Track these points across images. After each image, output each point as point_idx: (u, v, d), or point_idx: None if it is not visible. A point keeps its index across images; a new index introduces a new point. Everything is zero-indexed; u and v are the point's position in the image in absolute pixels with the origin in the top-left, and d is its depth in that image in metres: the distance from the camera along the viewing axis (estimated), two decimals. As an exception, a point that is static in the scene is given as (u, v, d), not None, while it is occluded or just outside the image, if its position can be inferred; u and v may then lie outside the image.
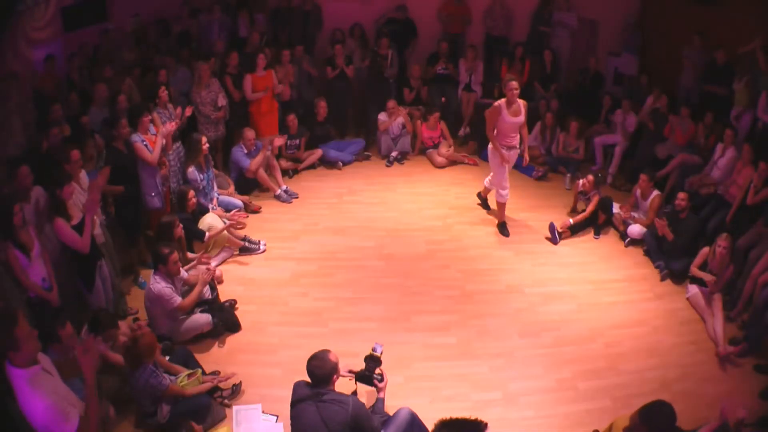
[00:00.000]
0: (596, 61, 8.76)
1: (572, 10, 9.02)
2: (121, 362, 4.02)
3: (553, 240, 6.42)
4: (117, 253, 5.34)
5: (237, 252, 6.04)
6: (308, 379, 3.62)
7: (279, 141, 7.32)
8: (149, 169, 5.60)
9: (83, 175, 4.89)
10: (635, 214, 6.49)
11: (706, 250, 5.48)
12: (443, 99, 8.78)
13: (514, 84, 6.05)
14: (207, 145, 6.22)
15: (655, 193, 6.38)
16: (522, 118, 6.15)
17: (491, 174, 6.56)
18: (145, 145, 5.52)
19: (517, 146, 6.31)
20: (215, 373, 4.39)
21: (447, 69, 8.78)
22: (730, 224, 5.86)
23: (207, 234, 5.63)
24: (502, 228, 6.57)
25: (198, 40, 8.40)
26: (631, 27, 9.11)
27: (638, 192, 6.50)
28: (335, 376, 3.53)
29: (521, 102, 6.15)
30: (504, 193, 6.40)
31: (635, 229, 6.39)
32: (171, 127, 5.78)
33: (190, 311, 4.79)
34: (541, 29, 9.16)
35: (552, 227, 6.47)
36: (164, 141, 5.68)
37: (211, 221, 5.84)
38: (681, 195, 5.99)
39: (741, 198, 5.87)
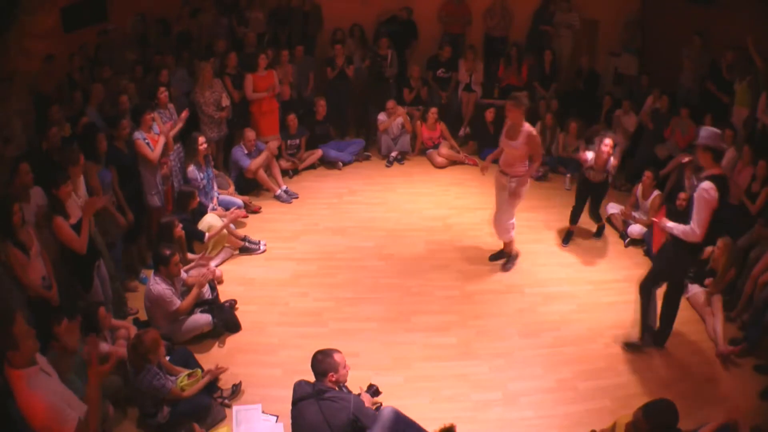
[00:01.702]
0: (589, 61, 8.75)
1: (573, 10, 9.02)
2: (125, 355, 4.03)
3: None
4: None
5: (237, 252, 6.04)
6: (308, 379, 3.64)
7: (274, 144, 7.31)
8: (150, 167, 5.61)
9: (81, 181, 4.87)
10: (636, 214, 6.49)
11: (708, 250, 5.49)
12: (443, 100, 8.78)
13: (510, 102, 5.23)
14: (204, 145, 6.22)
15: (656, 193, 6.38)
16: (516, 144, 5.25)
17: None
18: (147, 143, 5.54)
19: (510, 175, 5.46)
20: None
21: (447, 74, 8.78)
22: (730, 223, 5.85)
23: (206, 234, 5.63)
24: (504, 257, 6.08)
25: (198, 40, 8.40)
26: (631, 27, 9.12)
27: (639, 191, 6.49)
28: (332, 376, 3.55)
29: (525, 128, 5.25)
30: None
31: (635, 229, 6.40)
32: (171, 126, 5.80)
33: (190, 311, 4.79)
34: (542, 28, 9.16)
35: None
36: (165, 140, 5.70)
37: (211, 221, 5.84)
38: (682, 195, 5.99)
39: (740, 198, 5.88)
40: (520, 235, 6.54)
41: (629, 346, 4.96)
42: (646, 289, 4.89)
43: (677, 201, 6.03)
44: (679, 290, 4.82)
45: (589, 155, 6.07)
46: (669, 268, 4.70)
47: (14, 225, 3.94)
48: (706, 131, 4.36)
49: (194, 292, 4.78)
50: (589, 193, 6.34)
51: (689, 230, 4.30)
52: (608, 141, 6.00)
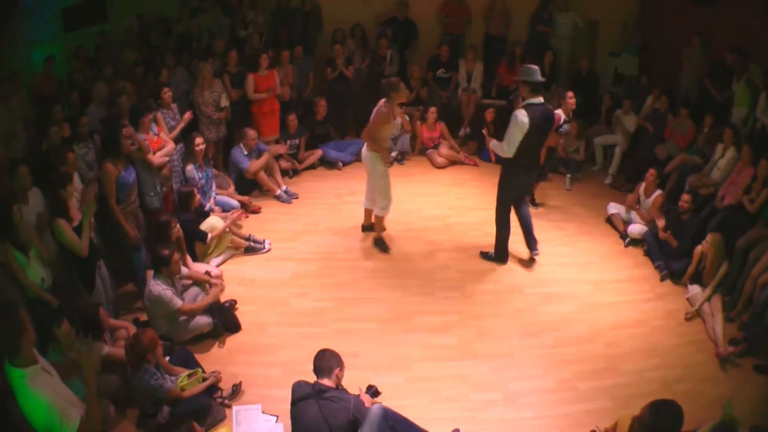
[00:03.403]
0: (588, 63, 8.74)
1: (572, 10, 9.01)
2: (123, 356, 4.03)
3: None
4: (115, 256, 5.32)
5: (242, 252, 6.03)
6: (308, 379, 3.64)
7: (280, 150, 7.31)
8: (149, 168, 5.59)
9: (75, 176, 4.88)
10: (638, 208, 6.52)
11: (699, 249, 5.51)
12: (443, 100, 8.77)
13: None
14: (203, 145, 6.22)
15: (659, 192, 6.40)
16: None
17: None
18: (146, 145, 5.54)
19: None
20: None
21: (447, 74, 8.78)
22: (730, 223, 5.86)
23: (209, 235, 5.62)
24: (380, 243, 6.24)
25: (198, 40, 8.39)
26: (631, 27, 9.12)
27: (642, 189, 6.50)
28: (338, 371, 3.58)
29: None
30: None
31: (635, 229, 6.40)
32: (172, 148, 5.84)
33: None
34: (539, 29, 9.15)
35: None
36: (167, 158, 5.77)
37: (214, 222, 5.85)
38: (685, 197, 5.99)
39: (741, 197, 5.88)
40: (519, 235, 6.52)
41: (485, 256, 6.02)
42: (499, 214, 5.86)
43: (680, 202, 6.02)
44: (505, 209, 5.80)
45: (561, 113, 6.60)
46: (500, 188, 5.74)
47: (13, 226, 3.94)
48: (524, 68, 5.30)
49: (207, 300, 4.80)
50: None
51: (500, 145, 5.36)
52: (570, 93, 6.64)
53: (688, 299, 5.56)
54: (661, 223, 6.11)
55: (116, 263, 5.13)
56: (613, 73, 9.23)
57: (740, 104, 6.93)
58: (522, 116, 5.11)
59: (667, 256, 5.97)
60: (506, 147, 5.28)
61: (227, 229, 5.85)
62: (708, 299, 5.32)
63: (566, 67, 9.24)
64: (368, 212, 6.34)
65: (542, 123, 5.26)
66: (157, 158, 5.60)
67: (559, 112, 6.58)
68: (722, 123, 6.77)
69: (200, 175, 6.17)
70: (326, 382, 3.56)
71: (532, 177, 5.83)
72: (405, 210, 6.99)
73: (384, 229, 6.28)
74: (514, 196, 5.76)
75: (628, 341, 5.08)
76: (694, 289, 5.51)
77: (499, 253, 6.00)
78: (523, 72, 5.26)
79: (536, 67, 5.25)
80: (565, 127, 6.81)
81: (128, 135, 5.10)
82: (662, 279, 5.89)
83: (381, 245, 6.20)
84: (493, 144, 5.51)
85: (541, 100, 5.26)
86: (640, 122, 7.73)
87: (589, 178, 8.00)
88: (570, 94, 6.67)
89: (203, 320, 4.82)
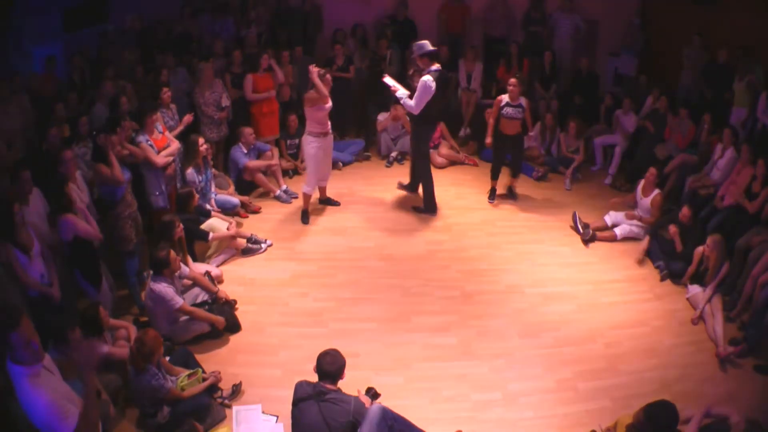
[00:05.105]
0: (588, 62, 8.74)
1: (575, 11, 9.01)
2: (125, 356, 4.03)
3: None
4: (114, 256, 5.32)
5: (242, 252, 6.02)
6: (308, 379, 3.64)
7: (278, 169, 7.28)
8: (153, 168, 5.60)
9: (79, 175, 4.88)
10: (637, 212, 6.48)
11: (699, 250, 5.51)
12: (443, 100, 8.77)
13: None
14: (205, 146, 6.22)
15: (657, 191, 6.38)
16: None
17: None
18: (151, 146, 5.53)
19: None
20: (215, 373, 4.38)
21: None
22: (730, 224, 5.86)
23: (211, 235, 5.62)
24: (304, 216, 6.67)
25: (199, 40, 8.39)
26: (631, 27, 9.11)
27: (640, 188, 6.47)
28: (343, 376, 3.58)
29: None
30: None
31: (624, 229, 6.39)
32: (176, 148, 5.85)
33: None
34: (531, 30, 9.15)
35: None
36: (171, 158, 5.76)
37: (213, 223, 5.85)
38: (685, 211, 5.90)
39: (740, 197, 5.88)
40: (520, 235, 6.57)
41: (416, 209, 6.84)
42: (414, 168, 6.85)
43: (680, 215, 5.95)
44: (422, 158, 6.71)
45: (504, 97, 6.83)
46: (414, 144, 6.69)
47: (15, 226, 3.94)
48: (415, 45, 6.21)
49: (211, 318, 4.80)
50: (506, 148, 7.05)
51: (410, 104, 6.19)
52: (513, 80, 6.75)
53: (688, 299, 5.56)
54: (673, 228, 5.99)
55: (115, 264, 5.13)
56: (613, 73, 9.24)
57: (740, 104, 6.94)
58: (430, 82, 6.00)
59: (668, 256, 5.96)
60: (414, 105, 6.15)
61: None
62: (709, 300, 5.32)
63: (566, 67, 9.24)
64: (321, 189, 6.90)
65: (442, 85, 6.21)
66: (160, 158, 5.59)
67: (503, 96, 6.82)
68: (721, 123, 6.77)
69: (200, 178, 6.16)
70: (328, 384, 3.56)
71: (434, 127, 6.89)
72: (405, 210, 6.99)
73: (308, 204, 6.67)
74: (428, 147, 6.76)
75: (627, 341, 5.08)
76: (695, 290, 5.51)
77: (428, 206, 6.79)
78: (416, 49, 6.16)
79: (425, 41, 6.18)
80: (509, 110, 6.76)
81: (117, 141, 5.05)
82: (662, 279, 5.89)
83: (304, 216, 6.64)
84: (403, 101, 6.30)
85: (438, 66, 6.18)
86: (640, 122, 7.74)
87: (589, 178, 8.00)
88: (512, 81, 6.70)
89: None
